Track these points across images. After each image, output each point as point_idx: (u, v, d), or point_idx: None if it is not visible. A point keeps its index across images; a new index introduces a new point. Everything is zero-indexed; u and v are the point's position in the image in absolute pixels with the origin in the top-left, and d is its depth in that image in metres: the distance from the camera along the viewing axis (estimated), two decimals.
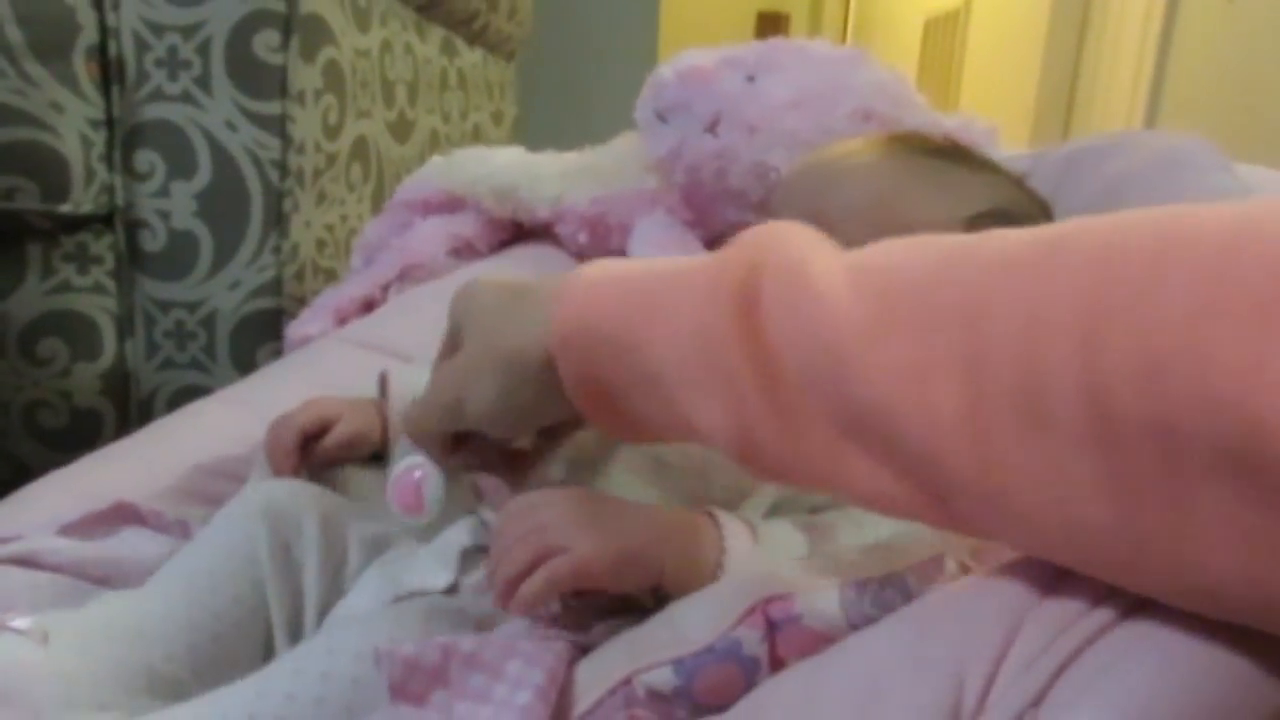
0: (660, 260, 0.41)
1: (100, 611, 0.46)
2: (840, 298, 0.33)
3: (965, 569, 0.41)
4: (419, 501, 0.48)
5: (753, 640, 0.40)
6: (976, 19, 3.74)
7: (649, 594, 0.44)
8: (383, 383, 0.59)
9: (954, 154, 0.60)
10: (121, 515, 0.53)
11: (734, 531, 0.45)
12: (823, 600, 0.40)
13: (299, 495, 0.52)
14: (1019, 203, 0.58)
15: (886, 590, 0.40)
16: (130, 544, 0.51)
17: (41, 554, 0.49)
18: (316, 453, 0.56)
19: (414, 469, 0.48)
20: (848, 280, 0.34)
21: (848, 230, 0.54)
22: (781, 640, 0.40)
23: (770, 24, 5.30)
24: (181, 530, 0.53)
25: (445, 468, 0.48)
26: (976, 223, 0.55)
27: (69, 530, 0.51)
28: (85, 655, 0.43)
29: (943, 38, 3.99)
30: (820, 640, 0.39)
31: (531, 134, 1.57)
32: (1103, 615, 0.33)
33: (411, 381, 0.56)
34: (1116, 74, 2.96)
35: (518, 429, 0.46)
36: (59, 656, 0.42)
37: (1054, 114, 3.24)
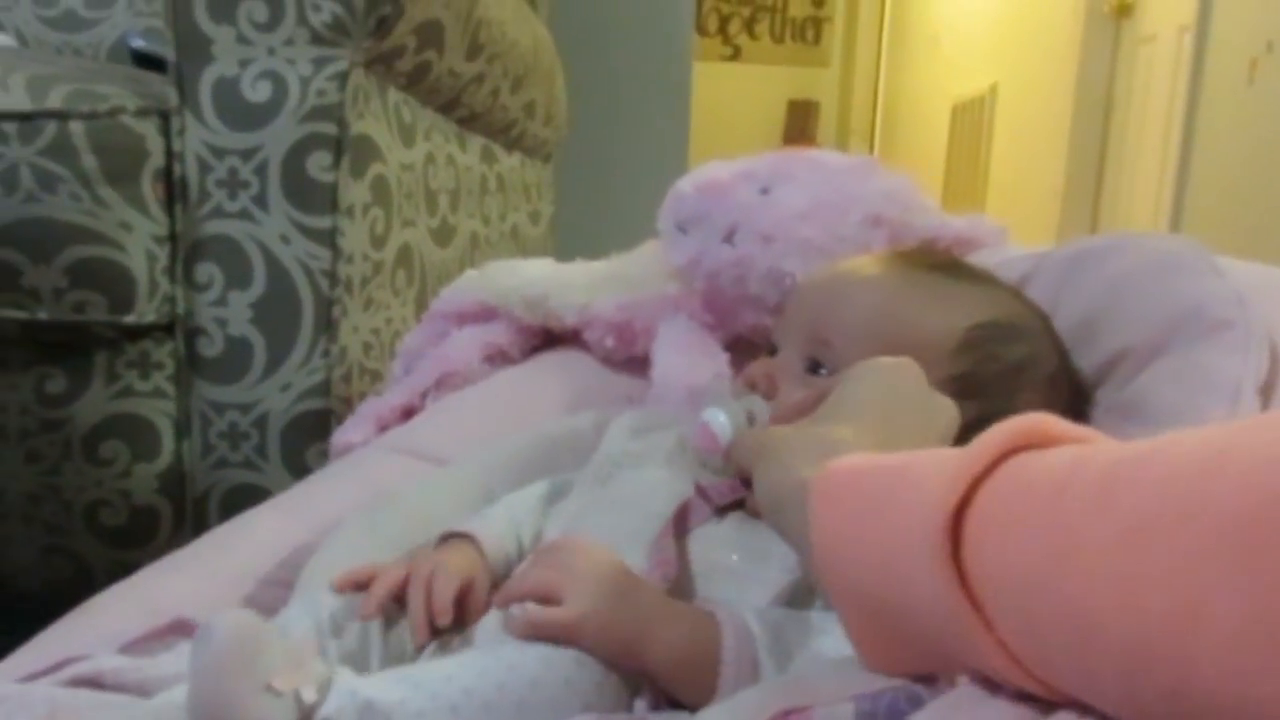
0: (893, 472, 0.41)
1: None
2: (1053, 505, 0.32)
3: (974, 678, 0.42)
4: (715, 444, 0.57)
5: None
6: (1003, 104, 3.81)
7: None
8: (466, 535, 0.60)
9: (954, 268, 0.64)
10: (180, 630, 0.56)
11: (733, 633, 0.47)
12: (839, 713, 0.42)
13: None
14: (1018, 314, 0.62)
15: (900, 700, 0.43)
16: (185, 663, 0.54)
17: (106, 674, 0.52)
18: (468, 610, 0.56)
19: (706, 419, 0.57)
20: (1060, 483, 0.32)
21: (854, 340, 0.58)
22: None
23: (801, 111, 5.42)
24: None
25: (735, 413, 0.57)
26: (975, 332, 0.58)
27: (131, 647, 0.54)
28: None
29: (970, 122, 4.06)
30: None
31: (568, 230, 1.64)
32: None
33: (495, 531, 0.59)
34: (1142, 153, 3.00)
35: (782, 533, 0.48)
36: None
37: (1083, 193, 3.28)
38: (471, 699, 0.43)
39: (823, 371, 0.59)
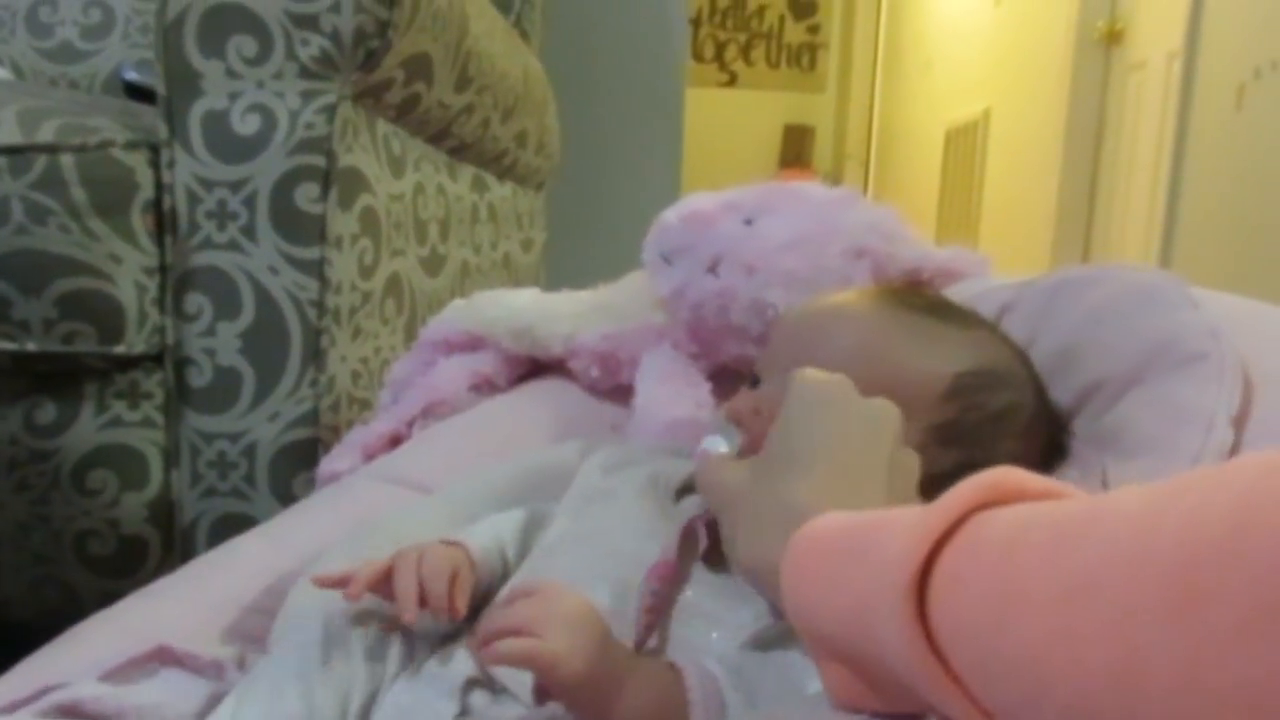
0: (862, 533, 0.41)
1: None
2: (1001, 568, 0.33)
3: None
4: None
5: None
6: (996, 129, 3.84)
7: None
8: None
9: (942, 310, 0.63)
10: (161, 657, 0.56)
11: (696, 675, 0.48)
12: None
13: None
14: (1002, 360, 0.61)
15: None
16: (169, 687, 0.55)
17: (85, 702, 0.52)
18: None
19: (708, 448, 0.57)
20: (1006, 546, 0.33)
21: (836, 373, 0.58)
22: None
23: (796, 136, 5.46)
24: (216, 671, 0.57)
25: (736, 444, 0.56)
26: (961, 380, 0.58)
27: (111, 675, 0.54)
28: None
29: (964, 147, 4.09)
30: None
31: (560, 258, 1.65)
32: None
33: (481, 544, 0.59)
34: (1134, 177, 3.02)
35: (764, 593, 0.49)
36: None
37: (1075, 216, 3.30)
38: None
39: None
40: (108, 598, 0.80)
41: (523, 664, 0.46)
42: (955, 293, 0.76)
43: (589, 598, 0.54)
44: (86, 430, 0.90)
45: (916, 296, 0.66)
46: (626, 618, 0.52)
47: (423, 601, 0.52)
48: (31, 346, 0.85)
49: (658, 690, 0.47)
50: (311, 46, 0.86)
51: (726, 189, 0.79)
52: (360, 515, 0.71)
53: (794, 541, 0.43)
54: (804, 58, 5.52)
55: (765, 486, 0.49)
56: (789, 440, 0.50)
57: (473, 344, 0.83)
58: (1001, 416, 0.59)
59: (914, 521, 0.37)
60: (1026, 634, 0.31)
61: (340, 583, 0.54)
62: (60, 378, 0.89)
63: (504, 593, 0.55)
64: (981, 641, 0.33)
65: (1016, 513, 0.34)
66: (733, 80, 5.49)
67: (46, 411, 0.89)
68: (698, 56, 5.36)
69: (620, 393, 0.80)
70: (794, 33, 5.50)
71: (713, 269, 0.73)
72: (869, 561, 0.38)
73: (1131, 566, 0.28)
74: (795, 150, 5.41)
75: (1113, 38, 3.16)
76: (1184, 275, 0.66)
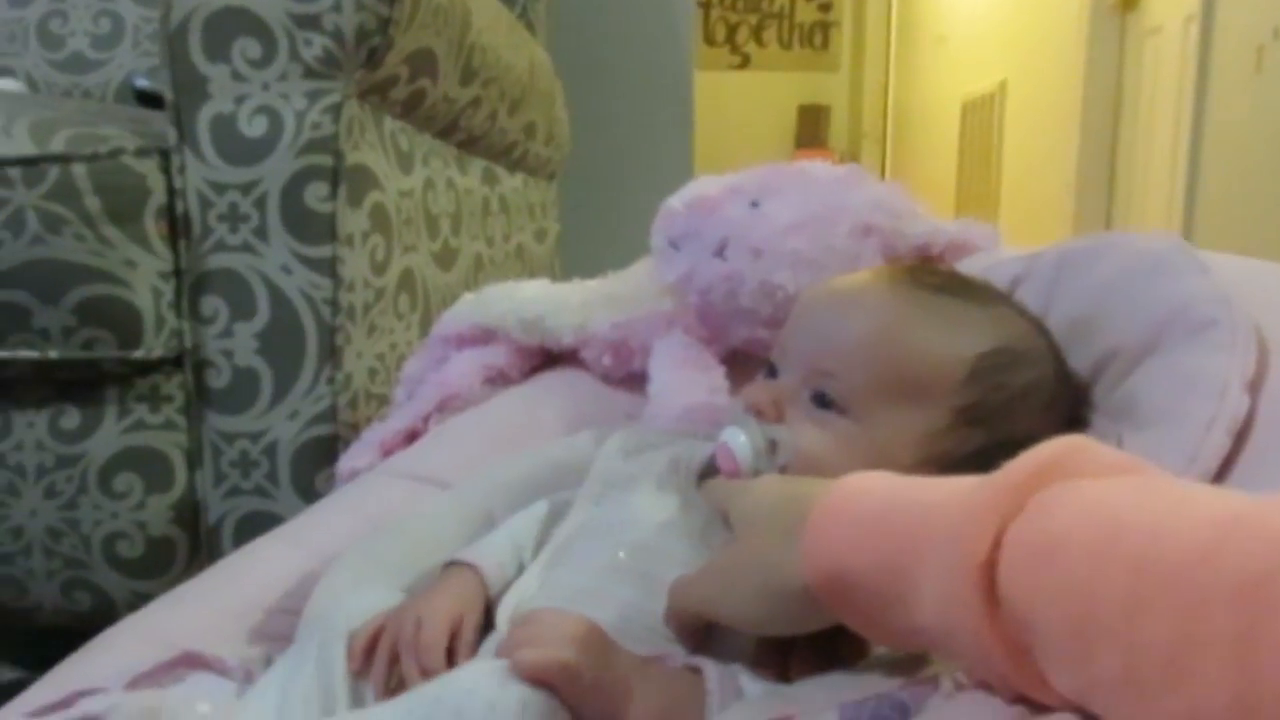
0: (909, 493, 0.42)
1: None
2: (1090, 571, 0.33)
3: (960, 686, 0.43)
4: (733, 465, 0.57)
5: None
6: (1012, 100, 3.80)
7: None
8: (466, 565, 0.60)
9: (959, 288, 0.62)
10: (188, 663, 0.57)
11: (714, 677, 0.48)
12: (823, 718, 0.43)
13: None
14: (1023, 337, 0.61)
15: (883, 708, 0.43)
16: (197, 692, 0.55)
17: (116, 709, 0.53)
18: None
19: (727, 440, 0.57)
20: (1096, 549, 0.34)
21: (859, 371, 0.57)
22: None
23: (812, 116, 5.43)
24: (244, 674, 0.57)
25: (756, 436, 0.56)
26: (984, 361, 0.58)
27: (140, 681, 0.55)
28: None
29: (981, 120, 4.05)
30: None
31: (574, 247, 1.65)
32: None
33: (498, 559, 0.59)
34: (1153, 144, 2.98)
35: (775, 632, 0.48)
36: None
37: (1096, 186, 3.26)
38: None
39: (830, 407, 0.58)
40: (139, 599, 0.82)
41: (536, 675, 0.45)
42: (966, 266, 0.76)
43: (612, 590, 0.54)
44: (110, 435, 0.91)
45: (931, 275, 0.65)
46: (650, 612, 0.52)
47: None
48: (53, 354, 0.86)
49: (667, 694, 0.47)
50: (314, 46, 0.86)
51: (729, 173, 0.79)
52: (379, 512, 0.72)
53: (834, 492, 0.43)
54: (816, 37, 5.48)
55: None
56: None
57: (484, 337, 0.84)
58: (1025, 395, 0.59)
59: (978, 499, 0.37)
60: (1090, 642, 0.32)
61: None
62: (82, 384, 0.90)
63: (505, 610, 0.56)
64: (1050, 632, 0.34)
65: (1085, 507, 0.35)
66: (745, 62, 5.46)
67: (70, 417, 0.91)
68: (709, 40, 5.33)
69: (633, 381, 0.80)
70: (806, 12, 5.46)
71: (720, 253, 0.73)
72: (916, 525, 0.39)
73: (1192, 593, 0.30)
74: (811, 131, 5.38)
75: (1128, 4, 3.12)
76: (1207, 241, 0.65)
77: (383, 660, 0.52)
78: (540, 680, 0.45)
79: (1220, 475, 0.52)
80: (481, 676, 0.45)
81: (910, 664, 0.45)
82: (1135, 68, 3.12)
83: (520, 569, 0.60)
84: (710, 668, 0.48)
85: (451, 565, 0.59)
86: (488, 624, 0.57)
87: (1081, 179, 3.28)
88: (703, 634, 0.51)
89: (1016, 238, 0.85)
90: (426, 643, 0.52)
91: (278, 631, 0.64)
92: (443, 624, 0.53)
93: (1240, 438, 0.53)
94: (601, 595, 0.54)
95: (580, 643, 0.46)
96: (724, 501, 0.52)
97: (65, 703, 0.54)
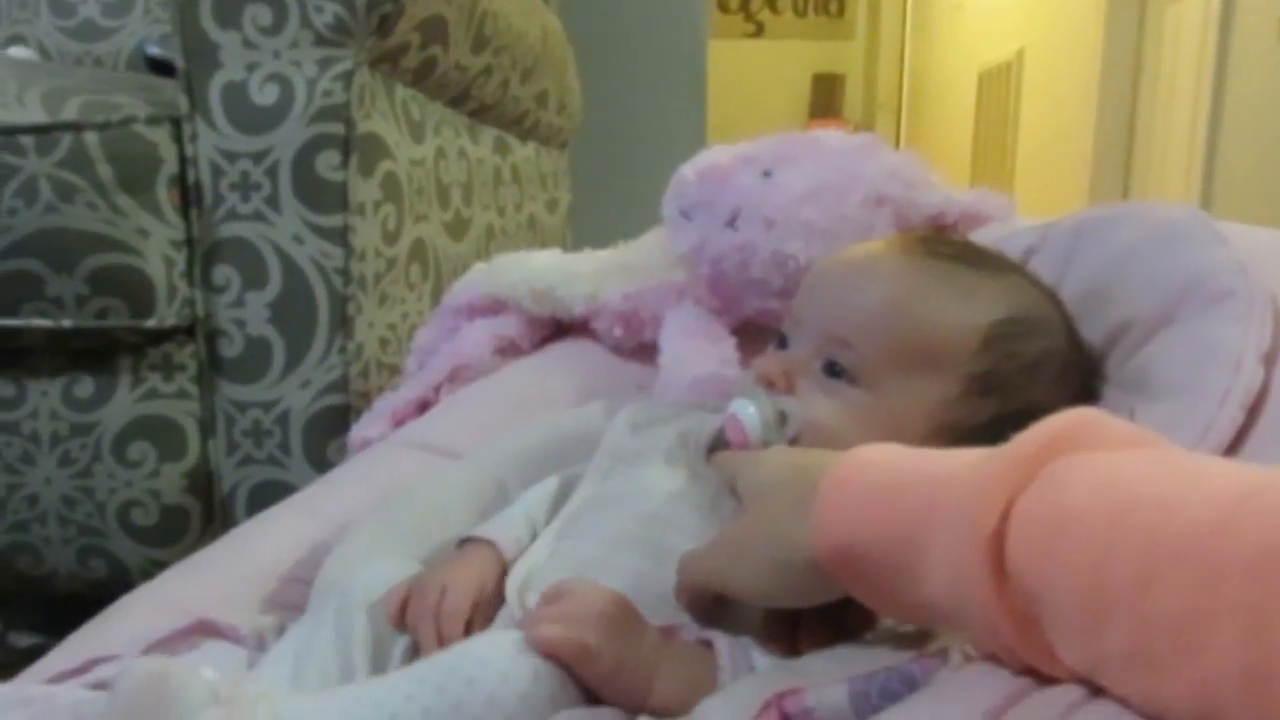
0: (919, 465, 0.42)
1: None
2: (1100, 544, 0.33)
3: (968, 659, 0.43)
4: (742, 437, 0.57)
5: None
6: (1030, 70, 3.76)
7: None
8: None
9: (972, 257, 0.62)
10: (203, 630, 0.58)
11: (726, 651, 0.48)
12: (833, 693, 0.43)
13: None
14: (1035, 306, 0.60)
15: (892, 681, 0.43)
16: (210, 659, 0.56)
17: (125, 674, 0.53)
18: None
19: (736, 412, 0.57)
20: (1107, 522, 0.34)
21: (871, 339, 0.57)
22: None
23: (826, 85, 5.38)
24: (257, 642, 0.58)
25: (765, 408, 0.56)
26: (996, 329, 0.57)
27: (154, 648, 0.55)
28: None
29: (998, 90, 4.01)
30: None
31: (586, 217, 1.64)
32: (1074, 694, 0.36)
33: (514, 534, 0.59)
34: (1172, 115, 2.95)
35: (784, 604, 0.48)
36: None
37: (1113, 157, 3.23)
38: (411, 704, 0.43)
39: (841, 376, 0.58)
40: (154, 566, 0.82)
41: (552, 652, 0.46)
42: (980, 236, 0.75)
43: (621, 560, 0.54)
44: (124, 404, 0.91)
45: (944, 244, 0.64)
46: (660, 581, 0.52)
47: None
48: (66, 323, 0.87)
49: (688, 672, 0.47)
50: (325, 14, 0.86)
51: (742, 143, 0.79)
52: (390, 482, 0.72)
53: (843, 464, 0.43)
54: (832, 5, 5.42)
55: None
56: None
57: (495, 308, 0.84)
58: (1038, 364, 0.59)
59: (988, 471, 0.37)
60: (1102, 614, 0.32)
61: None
62: (95, 353, 0.90)
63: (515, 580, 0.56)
64: (1056, 603, 0.34)
65: (1095, 481, 0.35)
66: (759, 30, 5.41)
67: (84, 386, 0.91)
68: (723, 7, 5.28)
69: (644, 352, 0.80)
70: None
71: (731, 223, 0.73)
72: (926, 497, 0.39)
73: (1206, 569, 0.30)
74: (825, 100, 5.33)
75: None
76: (1225, 213, 0.65)
77: (428, 621, 0.52)
78: (557, 659, 0.45)
79: (1233, 448, 0.52)
80: (496, 647, 0.45)
81: (919, 638, 0.45)
82: (1155, 38, 3.08)
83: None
84: (722, 641, 0.49)
85: (468, 541, 0.59)
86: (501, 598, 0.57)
87: (1099, 150, 3.24)
88: (713, 607, 0.51)
89: (1032, 209, 0.85)
90: (449, 610, 0.52)
91: (291, 600, 0.64)
92: (467, 593, 0.54)
93: (1254, 411, 0.53)
94: (610, 565, 0.54)
95: (607, 622, 0.46)
96: (733, 473, 0.52)
97: (82, 669, 0.55)
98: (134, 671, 0.41)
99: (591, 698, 0.46)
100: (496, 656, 0.45)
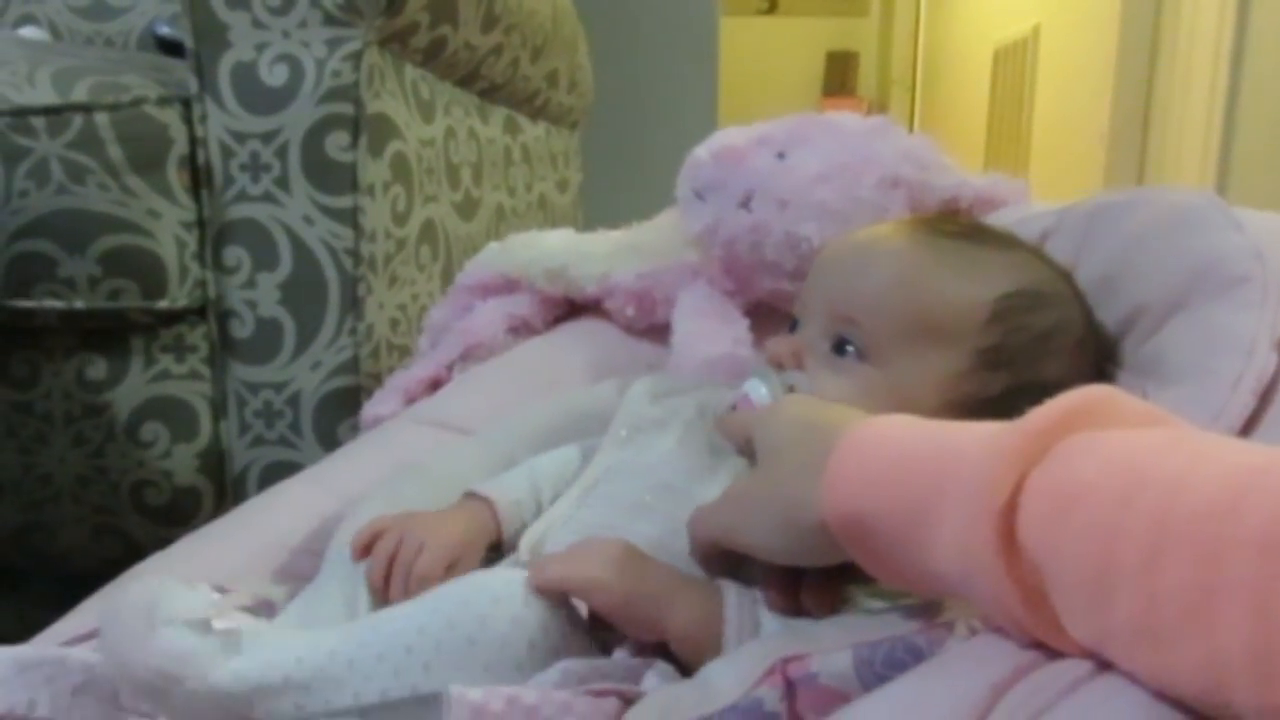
0: (931, 437, 0.42)
1: None
2: (1111, 520, 0.33)
3: (974, 631, 0.43)
4: None
5: (773, 698, 0.43)
6: (1046, 46, 3.72)
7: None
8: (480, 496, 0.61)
9: (979, 235, 0.62)
10: None
11: (735, 593, 0.49)
12: (837, 660, 0.43)
13: None
14: (1044, 280, 0.60)
15: (897, 650, 0.43)
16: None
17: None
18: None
19: (749, 391, 0.57)
20: (1118, 498, 0.34)
21: (879, 317, 0.57)
22: (800, 698, 0.43)
23: (840, 63, 5.34)
24: (268, 610, 0.58)
25: (776, 388, 0.57)
26: (1003, 302, 0.57)
27: None
28: None
29: (1013, 66, 3.97)
30: (836, 697, 0.43)
31: (597, 197, 1.63)
32: (1081, 668, 0.36)
33: (513, 496, 0.60)
34: (1189, 92, 2.91)
35: (792, 562, 0.48)
36: None
37: (1129, 135, 3.19)
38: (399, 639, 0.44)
39: (849, 351, 0.58)
40: (167, 545, 0.83)
41: (560, 587, 0.47)
42: (995, 220, 0.75)
43: (636, 528, 0.55)
44: (136, 384, 0.92)
45: (951, 224, 0.65)
46: (675, 553, 0.53)
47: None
48: (79, 304, 0.87)
49: (705, 606, 0.49)
50: None
51: (757, 123, 0.78)
52: (402, 457, 0.72)
53: (855, 432, 0.44)
54: None
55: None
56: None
57: (508, 287, 0.84)
58: (1048, 336, 0.58)
59: (1001, 444, 0.37)
60: (1110, 594, 0.32)
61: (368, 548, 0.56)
62: (108, 334, 0.91)
63: (530, 538, 0.57)
64: (1064, 581, 0.34)
65: (1111, 457, 0.35)
66: (772, 7, 5.36)
67: (97, 367, 0.91)
68: None
69: (656, 332, 0.79)
70: None
71: (745, 204, 0.73)
72: (938, 469, 0.39)
73: (1212, 551, 0.30)
74: (839, 78, 5.29)
75: None
76: (1242, 197, 0.64)
77: (380, 563, 0.54)
78: (569, 592, 0.46)
79: (1244, 433, 0.52)
80: (508, 587, 0.46)
81: (926, 609, 0.45)
82: (1173, 15, 3.04)
83: (538, 509, 0.61)
84: (730, 591, 0.49)
85: (468, 496, 0.60)
86: (497, 556, 0.58)
87: (1115, 129, 3.21)
88: (724, 562, 0.51)
89: (1047, 188, 0.84)
90: (421, 572, 0.54)
91: (302, 571, 0.64)
92: (443, 558, 0.55)
93: (1266, 396, 0.52)
94: (625, 532, 0.54)
95: (614, 560, 0.48)
96: (748, 428, 0.52)
97: (93, 633, 0.55)
98: (127, 587, 0.42)
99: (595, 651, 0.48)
100: (509, 598, 0.46)
